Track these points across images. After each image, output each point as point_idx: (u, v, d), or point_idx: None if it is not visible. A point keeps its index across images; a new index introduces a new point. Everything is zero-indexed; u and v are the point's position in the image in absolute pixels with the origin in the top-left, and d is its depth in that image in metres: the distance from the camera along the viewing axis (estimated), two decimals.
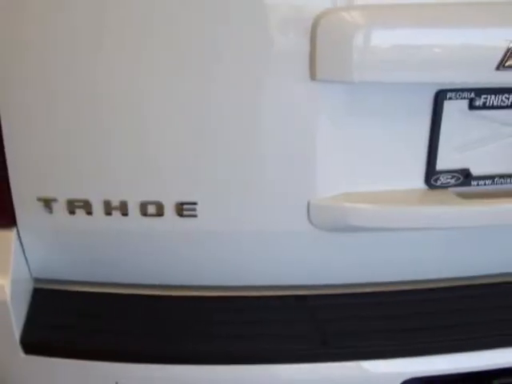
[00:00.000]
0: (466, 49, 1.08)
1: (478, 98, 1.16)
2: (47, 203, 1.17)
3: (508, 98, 1.17)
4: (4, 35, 1.04)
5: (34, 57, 1.06)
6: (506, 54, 1.05)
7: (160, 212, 1.18)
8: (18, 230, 1.20)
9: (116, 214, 1.18)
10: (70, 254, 1.26)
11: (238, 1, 1.05)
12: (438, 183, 1.23)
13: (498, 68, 1.06)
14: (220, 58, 1.08)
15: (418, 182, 1.23)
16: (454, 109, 1.16)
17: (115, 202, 1.17)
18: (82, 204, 1.17)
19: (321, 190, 1.19)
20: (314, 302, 1.30)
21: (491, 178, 1.24)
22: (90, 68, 1.07)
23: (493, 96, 1.16)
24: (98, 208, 1.17)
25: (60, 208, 1.17)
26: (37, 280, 1.28)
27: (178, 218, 1.18)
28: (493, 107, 1.17)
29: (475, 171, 1.23)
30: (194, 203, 1.17)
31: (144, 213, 1.18)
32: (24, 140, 1.12)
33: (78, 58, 1.06)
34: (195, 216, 1.18)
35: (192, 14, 1.04)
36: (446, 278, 1.35)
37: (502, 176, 1.24)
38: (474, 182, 1.24)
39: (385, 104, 1.15)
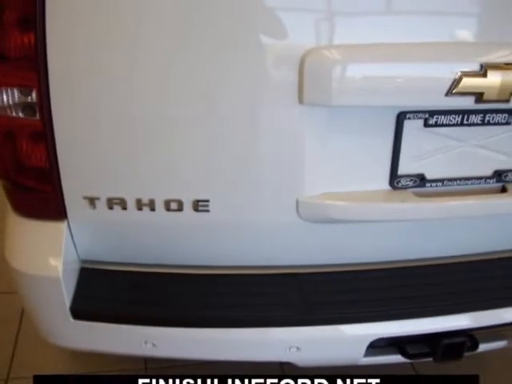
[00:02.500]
0: (421, 79, 1.19)
1: (432, 118, 1.26)
2: (91, 201, 1.28)
3: (455, 118, 1.27)
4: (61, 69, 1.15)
5: (80, 79, 1.16)
6: (453, 84, 1.17)
7: (180, 208, 1.28)
8: (68, 222, 1.31)
9: (146, 209, 1.29)
10: (109, 241, 1.37)
11: (245, 44, 1.16)
12: (400, 185, 1.34)
13: (446, 94, 1.18)
14: (230, 87, 1.19)
15: (384, 184, 1.34)
16: (412, 127, 1.27)
17: (145, 200, 1.28)
18: (118, 201, 1.28)
19: (307, 190, 1.30)
20: (302, 278, 1.41)
21: (442, 181, 1.35)
22: (126, 91, 1.17)
23: (443, 116, 1.27)
24: (131, 205, 1.28)
25: (101, 204, 1.28)
26: (83, 261, 1.40)
27: (194, 212, 1.29)
28: (443, 125, 1.28)
29: (429, 176, 1.34)
30: (207, 200, 1.28)
31: (167, 208, 1.28)
32: (73, 152, 1.23)
33: (116, 83, 1.16)
34: (208, 211, 1.29)
35: (208, 53, 1.15)
36: (406, 259, 1.46)
37: (450, 179, 1.35)
38: (428, 184, 1.35)
39: (357, 122, 1.26)
